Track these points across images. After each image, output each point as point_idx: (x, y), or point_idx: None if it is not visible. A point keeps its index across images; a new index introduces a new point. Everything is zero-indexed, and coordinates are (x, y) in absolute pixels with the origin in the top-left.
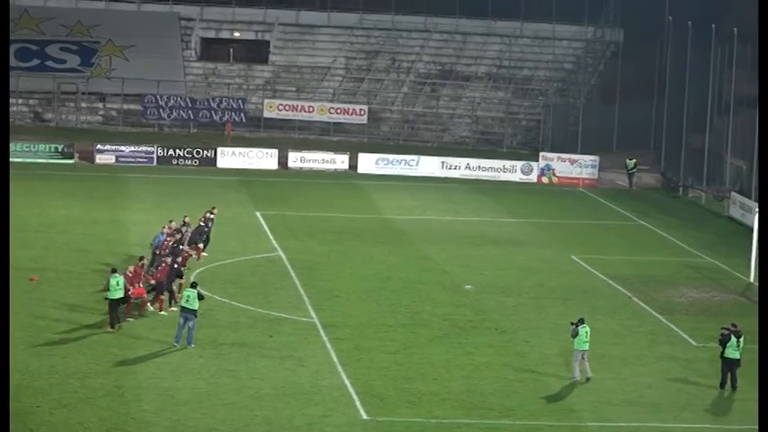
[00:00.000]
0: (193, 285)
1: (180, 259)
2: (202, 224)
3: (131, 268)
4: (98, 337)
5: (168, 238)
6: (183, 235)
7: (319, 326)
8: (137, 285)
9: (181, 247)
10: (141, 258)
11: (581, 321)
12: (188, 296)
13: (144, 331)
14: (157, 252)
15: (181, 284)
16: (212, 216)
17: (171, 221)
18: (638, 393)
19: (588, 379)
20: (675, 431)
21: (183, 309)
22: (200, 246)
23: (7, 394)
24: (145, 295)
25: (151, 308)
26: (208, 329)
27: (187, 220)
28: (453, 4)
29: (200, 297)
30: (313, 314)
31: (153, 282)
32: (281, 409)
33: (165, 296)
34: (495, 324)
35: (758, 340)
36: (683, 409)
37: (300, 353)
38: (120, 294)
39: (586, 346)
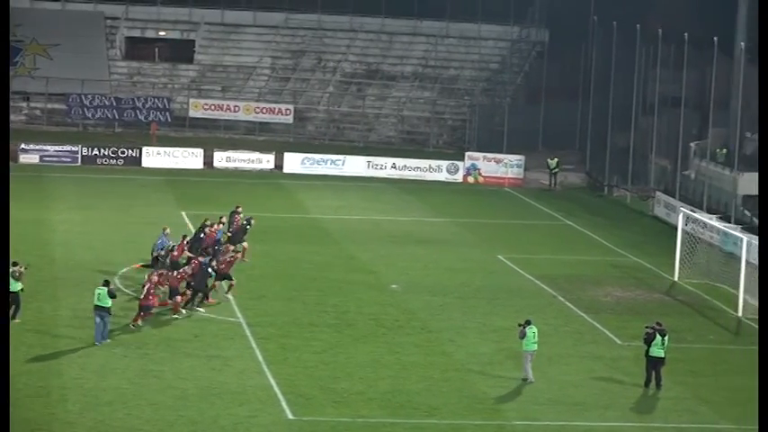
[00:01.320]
0: (105, 283)
1: (217, 263)
2: (244, 223)
3: (154, 278)
4: (22, 337)
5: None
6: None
7: (245, 326)
8: (154, 293)
9: (219, 248)
10: (157, 261)
11: (528, 323)
12: (99, 294)
13: (67, 331)
14: (158, 256)
15: (231, 285)
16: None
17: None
18: (564, 392)
19: (525, 380)
20: (600, 430)
21: (97, 307)
22: (245, 245)
23: (7, 394)
24: (157, 304)
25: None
26: (132, 329)
27: (217, 220)
28: (379, 3)
29: (112, 295)
30: (239, 314)
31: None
32: (207, 410)
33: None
34: (422, 323)
35: (758, 340)
36: (608, 408)
37: (226, 353)
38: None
39: (535, 347)
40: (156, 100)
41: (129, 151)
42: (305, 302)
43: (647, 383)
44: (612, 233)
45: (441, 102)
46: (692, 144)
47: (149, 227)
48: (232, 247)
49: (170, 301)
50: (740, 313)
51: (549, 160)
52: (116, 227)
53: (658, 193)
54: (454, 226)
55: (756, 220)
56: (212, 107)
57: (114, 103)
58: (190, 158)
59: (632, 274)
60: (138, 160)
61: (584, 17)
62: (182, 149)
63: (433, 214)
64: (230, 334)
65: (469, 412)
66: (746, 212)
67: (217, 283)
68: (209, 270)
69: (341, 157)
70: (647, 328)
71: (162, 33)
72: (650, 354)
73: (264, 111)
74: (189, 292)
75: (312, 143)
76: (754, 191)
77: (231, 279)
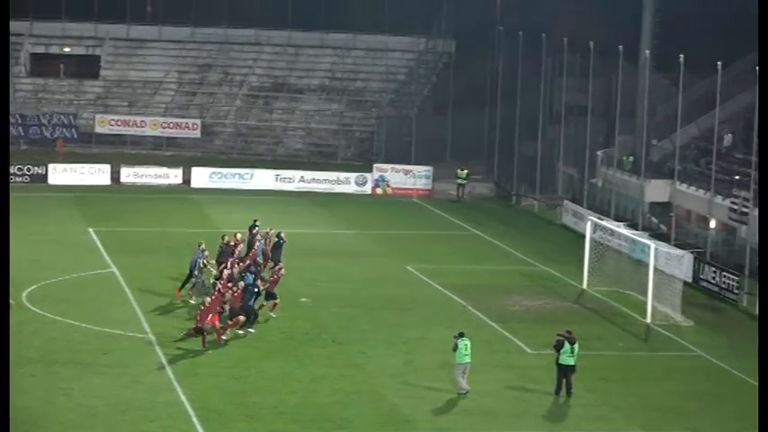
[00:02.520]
0: None
1: (261, 282)
2: (277, 239)
3: (208, 300)
4: None
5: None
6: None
7: (155, 342)
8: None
9: (258, 269)
10: (215, 286)
11: (460, 335)
12: None
13: None
14: (196, 273)
15: (275, 304)
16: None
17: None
18: (475, 402)
19: (460, 393)
20: None
21: None
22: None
23: (7, 394)
24: (217, 323)
25: (228, 332)
26: (40, 347)
27: (239, 236)
28: (285, 16)
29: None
30: (148, 330)
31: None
32: (117, 427)
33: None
34: (332, 336)
35: (758, 341)
36: (520, 417)
37: (136, 369)
38: None
39: (468, 359)
40: (62, 116)
41: (36, 168)
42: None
43: (557, 391)
44: (521, 242)
45: (348, 114)
46: (598, 152)
47: (55, 245)
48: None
49: (230, 322)
50: (649, 320)
51: (458, 171)
52: (22, 245)
53: (566, 202)
54: (363, 238)
55: (663, 227)
56: (119, 123)
57: (19, 120)
58: (97, 175)
59: (541, 283)
60: (44, 177)
61: (490, 27)
62: (88, 166)
63: (342, 226)
64: (140, 350)
65: (381, 424)
66: (653, 219)
67: (265, 302)
68: (255, 290)
69: (249, 170)
70: (558, 335)
71: (67, 49)
72: (560, 362)
73: (171, 125)
74: (241, 318)
75: (220, 157)
76: (661, 198)
77: (276, 297)
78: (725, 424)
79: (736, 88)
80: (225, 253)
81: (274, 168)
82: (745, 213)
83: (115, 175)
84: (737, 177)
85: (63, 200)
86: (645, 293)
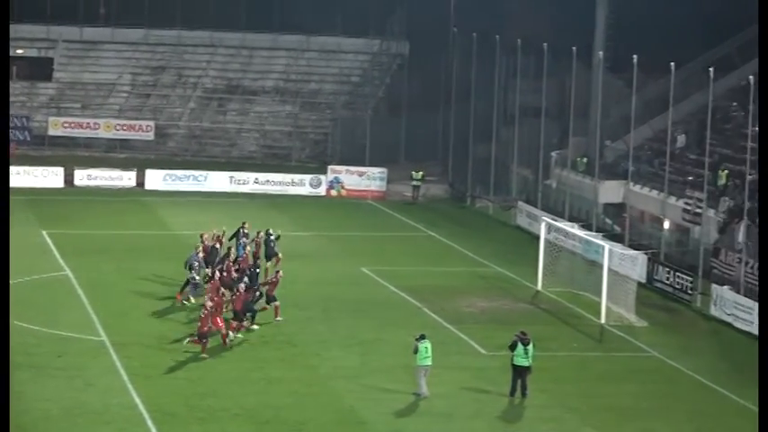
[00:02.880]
0: None
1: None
2: (270, 237)
3: (209, 304)
4: None
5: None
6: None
7: (108, 344)
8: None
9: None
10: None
11: (421, 337)
12: None
13: None
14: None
15: (276, 307)
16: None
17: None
18: (430, 403)
19: (418, 395)
20: None
21: None
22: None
23: (7, 394)
24: (222, 327)
25: (232, 335)
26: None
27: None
28: (239, 18)
29: None
30: (102, 333)
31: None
32: (70, 430)
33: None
34: (287, 338)
35: (758, 341)
36: (475, 418)
37: (89, 372)
38: None
39: (428, 362)
40: (15, 119)
41: None
42: (169, 320)
43: (512, 392)
44: (476, 243)
45: (302, 116)
46: (552, 153)
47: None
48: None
49: (234, 324)
50: (603, 320)
51: (413, 173)
52: None
53: (520, 203)
54: (318, 239)
55: (617, 228)
56: (72, 125)
57: None
58: (50, 177)
59: (496, 284)
60: None
61: (444, 29)
62: (42, 168)
63: (297, 228)
64: (93, 353)
65: (336, 426)
66: (607, 220)
67: (268, 305)
68: (257, 293)
69: (203, 172)
70: (515, 336)
71: (19, 51)
72: (514, 363)
73: (125, 128)
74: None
75: (174, 159)
76: (615, 199)
77: (276, 300)
78: (679, 424)
79: (689, 89)
80: (213, 253)
81: (228, 170)
82: (699, 214)
83: (69, 178)
84: (691, 178)
85: (16, 203)
86: (599, 294)
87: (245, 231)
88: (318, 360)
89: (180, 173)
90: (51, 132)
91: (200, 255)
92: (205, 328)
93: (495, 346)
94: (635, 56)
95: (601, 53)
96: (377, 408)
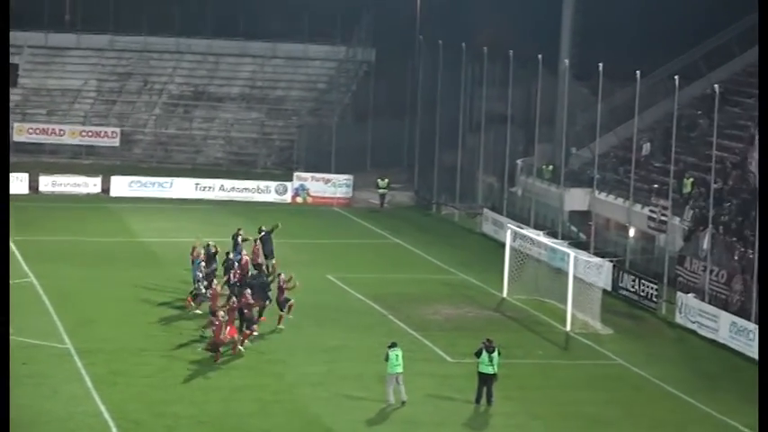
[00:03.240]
0: None
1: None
2: (260, 233)
3: (221, 313)
4: None
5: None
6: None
7: (73, 352)
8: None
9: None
10: (230, 298)
11: (392, 345)
12: None
13: None
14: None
15: (290, 305)
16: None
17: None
18: (396, 410)
19: (403, 402)
20: None
21: None
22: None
23: (7, 394)
24: (236, 336)
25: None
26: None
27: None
28: (205, 25)
29: None
30: (67, 340)
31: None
32: None
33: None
34: (253, 345)
35: (758, 341)
36: (441, 425)
37: (55, 380)
38: None
39: (399, 369)
40: None
41: None
42: (134, 327)
43: (477, 400)
44: (441, 251)
45: (268, 123)
46: (518, 161)
47: None
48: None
49: (247, 332)
50: (568, 328)
51: (379, 180)
52: None
53: (486, 211)
54: (283, 246)
55: (582, 236)
56: (37, 131)
57: None
58: (15, 183)
59: (461, 292)
60: None
61: (410, 36)
62: None
63: None
64: (58, 360)
65: None
66: (573, 228)
67: (283, 312)
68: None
69: (168, 179)
70: (481, 343)
71: None
72: (480, 370)
73: (90, 134)
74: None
75: (139, 166)
76: (580, 206)
77: (283, 309)
78: None
79: (654, 97)
80: (212, 260)
81: (194, 177)
82: (664, 222)
83: (33, 184)
84: (656, 186)
85: None
86: (564, 302)
87: (242, 238)
88: (284, 367)
89: (145, 179)
90: (16, 138)
91: (202, 264)
92: (219, 338)
93: (460, 353)
94: (600, 64)
95: (566, 61)
96: (343, 415)
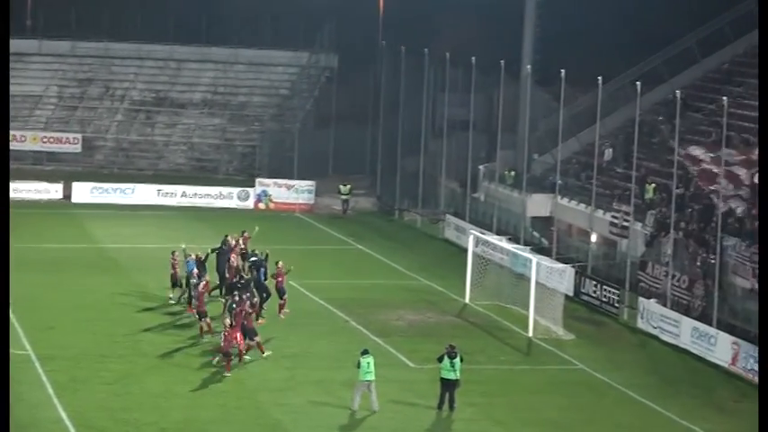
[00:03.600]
0: None
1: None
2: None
3: (228, 321)
4: None
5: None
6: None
7: (34, 358)
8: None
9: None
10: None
11: (364, 352)
12: None
13: None
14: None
15: (281, 306)
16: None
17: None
18: (358, 416)
19: (374, 411)
20: None
21: None
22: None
23: (7, 394)
24: (242, 345)
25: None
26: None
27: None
28: (167, 31)
29: None
30: (28, 347)
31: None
32: None
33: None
34: (214, 351)
35: (758, 341)
36: (403, 431)
37: (16, 387)
38: None
39: (370, 377)
40: None
41: None
42: (95, 333)
43: (440, 406)
44: (404, 257)
45: (231, 128)
46: (480, 167)
47: None
48: None
49: (252, 342)
50: (530, 334)
51: (341, 186)
52: None
53: (448, 216)
54: None
55: (545, 241)
56: None
57: None
58: None
59: (424, 297)
60: None
61: (373, 42)
62: None
63: None
64: (19, 366)
65: None
66: (535, 234)
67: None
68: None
69: (131, 185)
70: (445, 349)
71: None
72: (442, 376)
73: (52, 140)
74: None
75: (101, 172)
76: (542, 212)
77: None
78: None
79: (616, 103)
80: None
81: (156, 183)
82: (626, 227)
83: None
84: (618, 192)
85: None
86: (526, 307)
87: (230, 245)
88: (246, 373)
89: (107, 185)
90: None
91: (195, 271)
92: (227, 346)
93: (422, 359)
94: (562, 70)
95: (528, 67)
96: (304, 421)
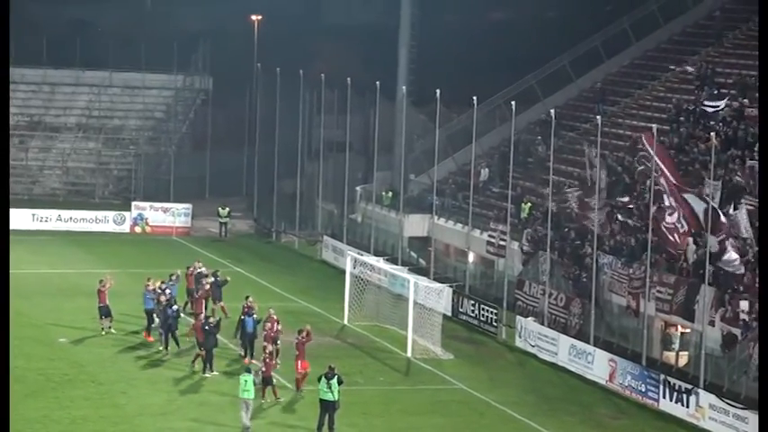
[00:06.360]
0: None
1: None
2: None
3: (270, 348)
4: None
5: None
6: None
7: None
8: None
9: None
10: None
11: (246, 370)
12: None
13: None
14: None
15: (275, 390)
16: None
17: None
18: None
19: (247, 428)
20: None
21: None
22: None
23: (7, 394)
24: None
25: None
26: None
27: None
28: (40, 54)
29: None
30: None
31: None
32: None
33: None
34: (91, 376)
35: (758, 341)
36: None
37: None
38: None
39: (247, 395)
40: None
41: None
42: None
43: (319, 427)
44: (282, 279)
45: (106, 152)
46: (357, 188)
47: None
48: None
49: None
50: (409, 354)
51: (219, 209)
52: None
53: (326, 238)
54: (123, 276)
55: (422, 262)
56: None
57: None
58: None
59: (302, 319)
60: None
61: (248, 64)
62: None
63: (102, 265)
64: None
65: None
66: (413, 254)
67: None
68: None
69: None
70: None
71: None
72: (320, 397)
73: None
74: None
75: None
76: (420, 232)
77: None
78: None
79: (491, 123)
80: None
81: (31, 208)
82: (503, 246)
83: None
84: (494, 211)
85: None
86: (405, 327)
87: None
88: (124, 398)
89: None
90: None
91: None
92: (268, 372)
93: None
94: (438, 90)
95: (404, 88)
96: None
